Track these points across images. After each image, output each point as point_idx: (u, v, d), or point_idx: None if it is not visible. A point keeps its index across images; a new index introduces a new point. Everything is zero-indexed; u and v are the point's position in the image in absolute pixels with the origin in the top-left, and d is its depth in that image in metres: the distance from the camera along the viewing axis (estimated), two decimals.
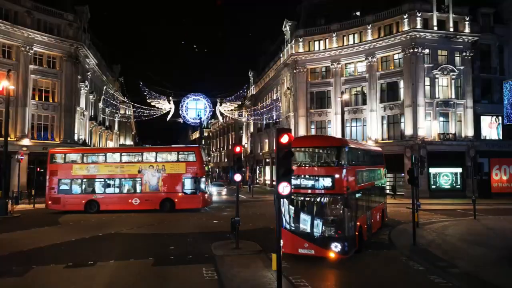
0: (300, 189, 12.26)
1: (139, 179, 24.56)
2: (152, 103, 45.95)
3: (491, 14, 39.55)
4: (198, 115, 47.43)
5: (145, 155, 25.64)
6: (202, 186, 24.67)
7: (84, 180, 25.13)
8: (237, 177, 14.24)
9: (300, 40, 44.32)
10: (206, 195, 25.02)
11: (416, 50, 36.42)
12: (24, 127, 35.61)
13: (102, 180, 25.07)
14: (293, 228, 12.35)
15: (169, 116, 47.21)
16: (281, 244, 8.04)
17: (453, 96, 37.14)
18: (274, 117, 50.02)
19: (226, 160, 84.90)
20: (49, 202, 25.45)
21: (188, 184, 24.58)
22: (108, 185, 25.07)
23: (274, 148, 9.46)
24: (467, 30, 37.56)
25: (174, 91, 49.06)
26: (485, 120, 38.73)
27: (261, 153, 58.71)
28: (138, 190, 24.65)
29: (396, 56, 38.80)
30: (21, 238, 16.78)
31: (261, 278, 10.63)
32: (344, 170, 12.13)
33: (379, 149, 21.82)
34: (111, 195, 24.83)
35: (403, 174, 35.40)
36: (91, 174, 25.12)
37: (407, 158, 34.70)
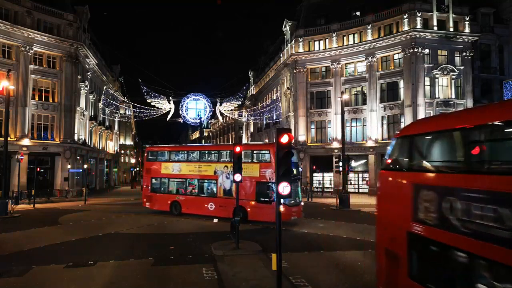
0: None
1: (215, 181, 21.96)
2: (152, 103, 45.95)
3: (491, 14, 39.60)
4: (198, 115, 47.44)
5: (222, 154, 22.86)
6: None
7: (170, 179, 24.24)
8: (237, 177, 14.25)
9: (300, 40, 44.33)
10: (282, 207, 19.56)
11: (416, 50, 36.44)
12: (24, 127, 35.62)
13: (184, 180, 23.75)
14: None
15: (169, 116, 47.23)
16: None
17: (453, 96, 37.16)
18: (274, 117, 50.03)
19: None
20: (144, 200, 25.59)
21: (260, 190, 20.06)
22: (188, 186, 23.55)
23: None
24: (467, 30, 37.58)
25: (174, 91, 49.12)
26: None
27: None
28: (213, 194, 22.09)
29: (396, 56, 38.82)
30: (21, 238, 16.76)
31: (261, 278, 10.62)
32: None
33: None
34: (190, 197, 23.31)
35: None
36: (174, 173, 24.05)
37: None
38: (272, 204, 18.59)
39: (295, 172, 20.39)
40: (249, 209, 20.40)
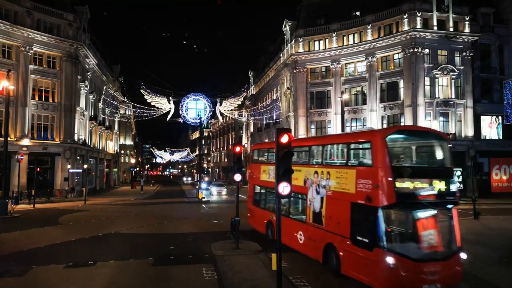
0: None
1: (304, 196, 13.33)
2: (152, 103, 45.93)
3: (491, 14, 39.58)
4: (198, 115, 47.42)
5: (314, 150, 13.73)
6: (386, 231, 9.62)
7: (268, 189, 16.45)
8: (237, 177, 14.24)
9: (300, 40, 44.35)
10: (394, 260, 9.22)
11: (416, 50, 36.43)
12: (24, 127, 35.61)
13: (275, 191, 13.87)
14: None
15: (169, 116, 47.18)
16: None
17: (453, 96, 37.15)
18: (274, 117, 50.04)
19: (226, 160, 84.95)
20: (248, 214, 18.67)
21: (357, 221, 10.55)
22: (281, 201, 14.51)
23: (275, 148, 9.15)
24: (467, 30, 37.58)
25: (174, 91, 49.11)
26: (485, 120, 38.74)
27: None
28: (302, 218, 13.46)
29: (396, 56, 38.82)
30: (21, 238, 16.77)
31: (261, 278, 10.62)
32: None
33: None
34: (282, 219, 12.25)
35: None
36: (270, 180, 15.91)
37: None
38: (373, 251, 9.49)
39: (443, 187, 10.11)
40: (341, 253, 10.80)
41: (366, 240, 9.81)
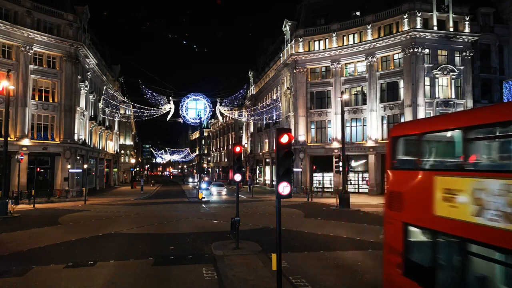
0: None
1: None
2: (152, 103, 45.95)
3: (491, 14, 39.62)
4: (198, 115, 47.44)
5: None
6: None
7: (468, 243, 5.05)
8: (237, 177, 14.19)
9: (300, 40, 44.37)
10: None
11: (416, 50, 36.45)
12: (24, 127, 35.62)
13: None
14: None
15: (169, 116, 47.21)
16: None
17: (453, 96, 37.16)
18: (274, 117, 50.07)
19: (226, 160, 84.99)
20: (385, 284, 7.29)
21: None
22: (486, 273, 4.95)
23: (274, 148, 8.97)
24: (467, 30, 37.59)
25: (174, 91, 49.13)
26: None
27: (261, 153, 58.76)
28: None
29: (396, 56, 38.84)
30: (21, 238, 16.76)
31: (261, 278, 10.61)
32: None
33: None
34: None
35: None
36: (470, 222, 5.01)
37: None
38: None
39: None
40: None
41: None
